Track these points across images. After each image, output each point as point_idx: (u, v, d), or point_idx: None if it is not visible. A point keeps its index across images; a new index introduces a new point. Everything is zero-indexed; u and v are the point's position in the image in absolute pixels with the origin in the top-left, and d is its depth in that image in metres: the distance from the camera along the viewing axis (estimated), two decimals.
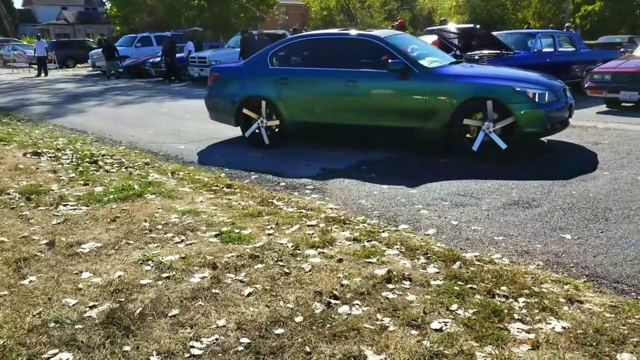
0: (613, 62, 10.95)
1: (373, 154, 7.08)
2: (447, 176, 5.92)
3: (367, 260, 3.66)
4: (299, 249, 3.87)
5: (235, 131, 9.07)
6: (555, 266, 3.64)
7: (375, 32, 7.77)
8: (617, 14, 42.81)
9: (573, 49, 13.30)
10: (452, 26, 13.52)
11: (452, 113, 6.65)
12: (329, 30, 9.22)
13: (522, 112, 6.40)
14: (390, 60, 6.94)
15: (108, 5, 45.13)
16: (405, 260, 3.67)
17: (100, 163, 6.85)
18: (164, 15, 35.41)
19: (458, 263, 3.59)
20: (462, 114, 6.62)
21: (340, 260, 3.66)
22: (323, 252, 3.81)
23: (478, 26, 12.57)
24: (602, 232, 4.19)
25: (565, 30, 17.61)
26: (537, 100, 6.45)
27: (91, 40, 38.46)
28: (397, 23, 15.36)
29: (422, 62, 7.12)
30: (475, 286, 3.25)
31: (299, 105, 7.58)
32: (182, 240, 4.08)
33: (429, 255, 3.74)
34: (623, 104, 10.58)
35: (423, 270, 3.50)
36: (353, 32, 7.93)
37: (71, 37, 52.26)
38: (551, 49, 12.75)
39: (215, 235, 4.15)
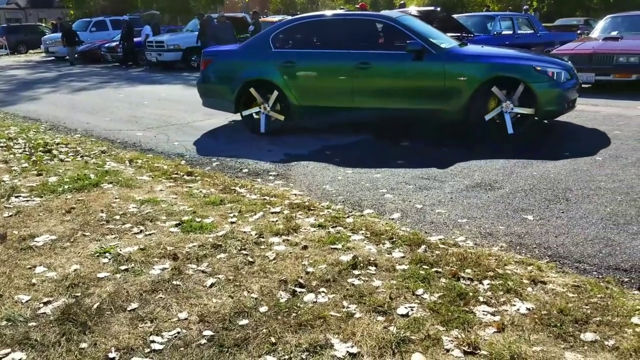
0: (570, 44, 11.12)
1: (337, 139, 7.03)
2: (411, 160, 5.92)
3: (333, 246, 3.61)
4: (262, 237, 3.79)
5: (196, 116, 8.91)
6: (518, 247, 3.66)
7: (385, 13, 7.68)
8: None
9: (531, 31, 13.47)
10: (412, 9, 13.52)
11: (471, 94, 6.61)
12: (334, 11, 8.93)
13: (543, 91, 6.45)
14: (407, 41, 6.82)
15: None
16: (371, 246, 3.63)
17: (55, 152, 6.61)
18: None
19: (423, 247, 3.58)
20: (481, 94, 6.61)
21: (305, 248, 3.60)
22: (287, 240, 3.75)
23: (439, 9, 12.59)
24: (563, 212, 4.24)
25: (523, 13, 17.86)
26: (555, 79, 6.55)
27: (44, 25, 37.13)
28: (358, 6, 15.27)
29: (436, 42, 7.01)
30: (440, 270, 3.24)
31: (308, 89, 7.27)
32: (141, 231, 3.95)
33: (394, 239, 3.72)
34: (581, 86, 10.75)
35: (388, 255, 3.47)
36: (365, 13, 7.78)
37: (23, 22, 50.33)
38: (510, 32, 12.89)
39: (176, 225, 4.03)
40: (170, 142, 7.20)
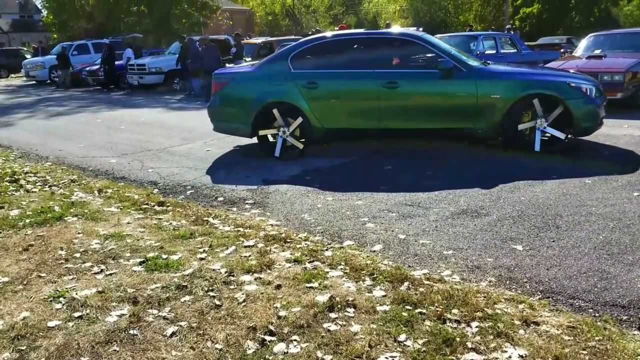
0: (554, 63, 11.03)
1: (317, 162, 6.78)
2: (394, 184, 5.68)
3: (308, 285, 3.33)
4: (233, 275, 3.51)
5: (173, 141, 8.63)
6: (507, 282, 3.41)
7: (411, 31, 7.57)
8: (554, 16, 44.21)
9: (514, 50, 13.41)
10: (396, 29, 13.42)
11: (505, 112, 6.50)
12: (356, 30, 8.72)
13: (578, 108, 6.40)
14: (438, 60, 6.67)
15: (44, 12, 43.37)
16: (350, 283, 3.36)
17: (22, 182, 6.29)
18: (102, 22, 34.18)
19: (406, 284, 3.31)
20: (515, 112, 6.53)
21: (278, 287, 3.32)
22: (260, 278, 3.46)
23: (421, 29, 12.49)
24: (553, 241, 4.00)
25: (506, 32, 17.88)
26: (589, 95, 6.50)
27: (25, 49, 36.79)
28: (338, 28, 15.20)
29: (465, 60, 6.89)
30: (424, 310, 2.97)
31: (333, 111, 6.98)
32: (102, 271, 3.64)
33: (375, 275, 3.45)
34: None
35: (369, 294, 3.20)
36: (390, 31, 7.63)
37: (6, 46, 49.96)
38: (493, 51, 12.81)
39: (140, 263, 3.74)
40: (144, 169, 6.91)
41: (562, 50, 15.13)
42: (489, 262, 3.68)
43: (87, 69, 21.47)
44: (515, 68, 7.33)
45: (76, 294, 3.29)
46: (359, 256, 3.83)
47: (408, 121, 6.86)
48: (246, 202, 5.36)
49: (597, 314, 2.98)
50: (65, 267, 3.71)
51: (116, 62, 19.78)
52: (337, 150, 7.22)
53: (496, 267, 3.61)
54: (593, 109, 6.53)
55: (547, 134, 6.60)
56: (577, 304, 3.11)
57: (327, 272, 3.52)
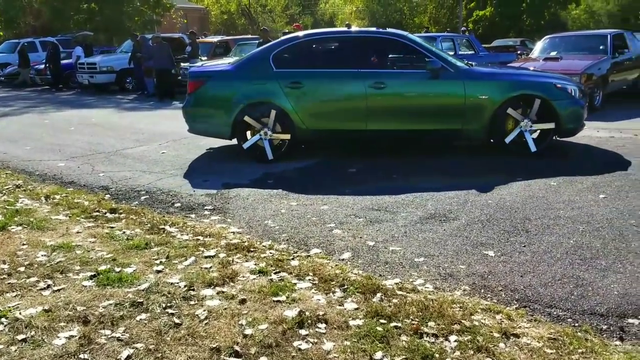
0: (513, 65, 11.13)
1: (279, 165, 6.56)
2: (360, 188, 5.52)
3: (275, 298, 3.12)
4: (193, 289, 3.26)
5: (126, 143, 8.25)
6: (482, 290, 3.28)
7: (398, 31, 7.46)
8: (506, 18, 45.27)
9: (472, 52, 13.51)
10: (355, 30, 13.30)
11: (493, 112, 6.44)
12: (341, 29, 8.43)
13: (564, 109, 6.44)
14: (426, 60, 6.53)
15: None
16: (320, 295, 3.16)
17: None
18: (51, 19, 32.94)
19: (379, 295, 3.13)
20: (503, 112, 6.49)
21: (243, 302, 3.09)
22: (223, 292, 3.23)
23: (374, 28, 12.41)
24: (524, 246, 3.91)
25: (461, 34, 18.05)
26: (574, 96, 6.55)
27: None
28: (294, 27, 15.00)
29: (453, 61, 6.80)
30: (400, 324, 2.80)
31: (318, 112, 6.74)
32: (49, 286, 3.33)
33: (345, 286, 3.26)
34: None
35: (340, 307, 3.01)
36: (376, 30, 7.43)
37: None
38: (452, 52, 12.83)
39: (91, 277, 3.44)
40: (95, 174, 6.53)
41: (518, 52, 15.32)
42: (461, 270, 3.55)
43: (35, 67, 20.57)
44: (500, 69, 7.32)
45: (20, 313, 2.98)
46: (328, 265, 3.64)
47: (395, 122, 6.71)
48: (205, 208, 5.10)
49: (576, 324, 2.88)
50: (8, 283, 3.38)
51: (66, 61, 19.02)
52: (300, 153, 7.01)
53: (469, 275, 3.48)
54: (578, 110, 6.58)
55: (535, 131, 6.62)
56: (555, 313, 3.00)
57: (295, 284, 3.32)
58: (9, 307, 3.06)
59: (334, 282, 3.33)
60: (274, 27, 50.90)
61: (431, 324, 2.82)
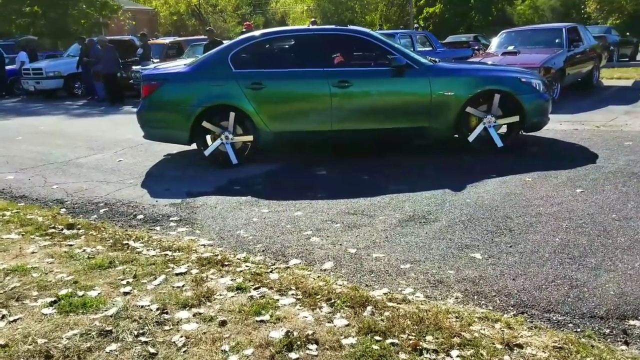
0: (472, 60, 11.16)
1: (244, 170, 6.29)
2: (332, 191, 5.31)
3: (259, 318, 2.87)
4: (167, 312, 2.97)
5: (79, 152, 7.80)
6: (476, 297, 3.12)
7: (360, 28, 7.23)
8: (456, 15, 46.05)
9: (430, 48, 13.51)
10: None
11: (460, 109, 6.33)
12: (303, 26, 8.11)
13: (529, 103, 6.37)
14: (390, 57, 6.32)
15: None
16: (306, 312, 2.93)
17: None
18: None
19: (369, 308, 2.93)
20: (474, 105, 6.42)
21: (223, 324, 2.83)
22: (199, 313, 2.96)
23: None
24: (510, 246, 3.78)
25: (414, 31, 18.10)
26: (538, 90, 6.49)
27: None
28: (244, 27, 14.71)
29: (417, 58, 6.61)
30: (396, 340, 2.60)
31: (281, 113, 6.47)
32: (3, 317, 2.98)
33: (332, 300, 3.04)
34: None
35: (330, 325, 2.79)
36: (337, 27, 7.21)
37: None
38: (410, 49, 12.79)
39: (51, 304, 3.11)
40: (48, 186, 6.10)
41: (476, 47, 15.44)
42: (450, 275, 3.39)
43: None
44: (465, 65, 7.29)
45: None
46: (309, 277, 3.41)
47: (361, 122, 6.51)
48: (171, 219, 4.79)
49: (578, 329, 2.75)
50: None
51: (9, 67, 18.12)
52: (263, 156, 6.76)
53: (460, 281, 3.31)
54: (543, 104, 6.55)
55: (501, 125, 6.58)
56: (554, 318, 2.86)
57: (277, 300, 3.07)
58: None
59: (319, 296, 3.10)
60: (225, 27, 50.24)
61: (429, 338, 2.63)
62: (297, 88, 6.56)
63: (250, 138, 6.50)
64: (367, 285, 3.30)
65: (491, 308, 3.00)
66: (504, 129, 6.70)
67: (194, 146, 6.76)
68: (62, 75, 16.70)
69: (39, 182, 6.31)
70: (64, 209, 5.20)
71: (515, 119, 6.43)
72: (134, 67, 14.62)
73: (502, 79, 6.53)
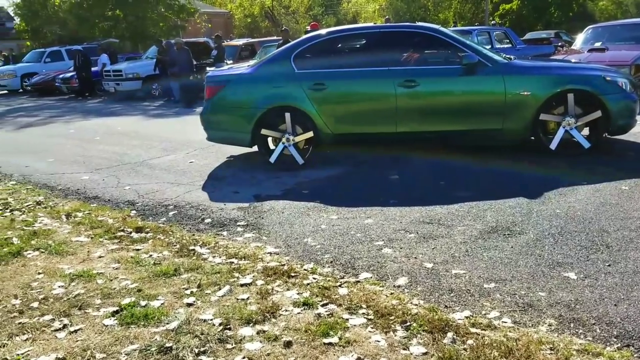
0: (555, 57, 10.48)
1: (311, 172, 6.09)
2: (405, 197, 5.01)
3: (326, 340, 2.63)
4: (230, 328, 2.80)
5: (152, 153, 7.87)
6: (572, 325, 2.74)
7: (428, 24, 6.97)
8: (534, 11, 44.18)
9: (509, 45, 12.86)
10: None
11: (537, 109, 5.88)
12: (366, 24, 7.98)
13: (615, 103, 5.82)
14: (461, 54, 6.00)
15: (17, 19, 42.11)
16: (378, 335, 2.67)
17: None
18: (76, 28, 33.09)
19: (450, 335, 2.62)
20: (547, 110, 5.96)
21: (288, 345, 2.62)
22: (263, 331, 2.76)
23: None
24: (609, 265, 3.36)
25: (492, 27, 17.36)
26: (625, 89, 5.94)
27: None
28: (309, 27, 14.53)
29: (490, 55, 6.24)
30: None
31: (343, 115, 6.27)
32: (64, 326, 2.91)
33: (407, 322, 2.76)
34: None
35: (405, 352, 2.51)
36: (404, 24, 6.99)
37: None
38: (488, 46, 12.20)
39: (113, 314, 3.01)
40: (121, 187, 6.14)
41: (560, 44, 14.59)
42: (542, 298, 3.02)
43: (61, 76, 20.51)
44: (543, 62, 6.76)
45: None
46: (382, 294, 3.14)
47: (428, 124, 6.16)
48: (238, 223, 4.65)
49: None
50: (19, 323, 2.97)
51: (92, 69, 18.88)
52: (331, 157, 6.54)
53: (552, 305, 2.94)
54: (630, 105, 5.95)
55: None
56: None
57: (347, 320, 2.83)
58: (18, 354, 2.64)
59: (392, 317, 2.83)
60: (297, 28, 50.56)
61: None
62: (359, 88, 6.29)
63: (310, 134, 6.29)
64: (446, 306, 2.99)
65: (591, 339, 2.62)
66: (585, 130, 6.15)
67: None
68: (140, 77, 17.19)
69: (112, 182, 6.37)
70: (134, 211, 5.18)
71: (598, 114, 5.84)
72: (208, 69, 14.82)
73: (583, 77, 5.99)
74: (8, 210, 5.33)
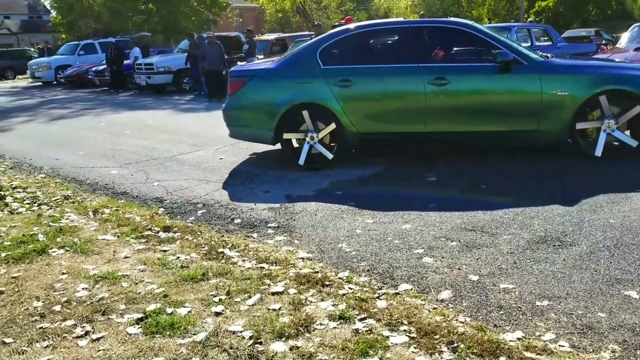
0: (598, 56, 10.04)
1: (345, 172, 5.87)
2: (444, 201, 4.75)
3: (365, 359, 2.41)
4: (260, 342, 2.60)
5: (182, 148, 7.75)
6: (639, 353, 2.47)
7: (460, 20, 6.69)
8: (570, 9, 43.08)
9: (550, 43, 12.41)
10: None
11: (575, 110, 5.58)
12: (395, 19, 7.73)
13: None
14: (495, 51, 5.71)
15: (53, 13, 42.87)
16: (423, 357, 2.44)
17: (9, 199, 5.43)
18: (110, 21, 33.46)
19: (503, 359, 2.38)
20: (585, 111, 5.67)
21: None
22: (297, 347, 2.55)
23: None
24: None
25: (531, 24, 16.84)
26: None
27: (32, 49, 36.15)
28: (344, 21, 14.21)
29: (526, 52, 5.95)
30: None
31: (370, 113, 6.01)
32: (87, 333, 2.75)
33: (454, 343, 2.52)
34: None
35: None
36: (435, 20, 6.69)
37: (15, 47, 49.37)
38: (527, 43, 11.80)
39: (138, 321, 2.83)
40: (149, 183, 6.01)
41: (602, 43, 14.05)
42: (602, 319, 2.74)
43: (94, 69, 20.67)
44: (582, 61, 6.39)
45: None
46: (424, 309, 2.90)
47: (459, 124, 5.86)
48: (269, 225, 4.45)
49: None
50: (40, 328, 2.82)
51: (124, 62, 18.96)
52: (365, 156, 6.30)
53: (615, 327, 2.66)
54: None
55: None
56: None
57: (387, 338, 2.60)
58: None
59: (437, 336, 2.59)
60: (328, 23, 50.27)
61: None
62: (387, 85, 5.99)
63: (332, 127, 6.03)
64: (495, 325, 2.74)
65: None
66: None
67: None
68: (172, 71, 17.16)
69: (140, 178, 6.25)
70: (162, 209, 5.03)
71: (634, 143, 5.53)
72: (239, 63, 14.67)
73: (626, 77, 5.63)
74: (36, 205, 5.24)
